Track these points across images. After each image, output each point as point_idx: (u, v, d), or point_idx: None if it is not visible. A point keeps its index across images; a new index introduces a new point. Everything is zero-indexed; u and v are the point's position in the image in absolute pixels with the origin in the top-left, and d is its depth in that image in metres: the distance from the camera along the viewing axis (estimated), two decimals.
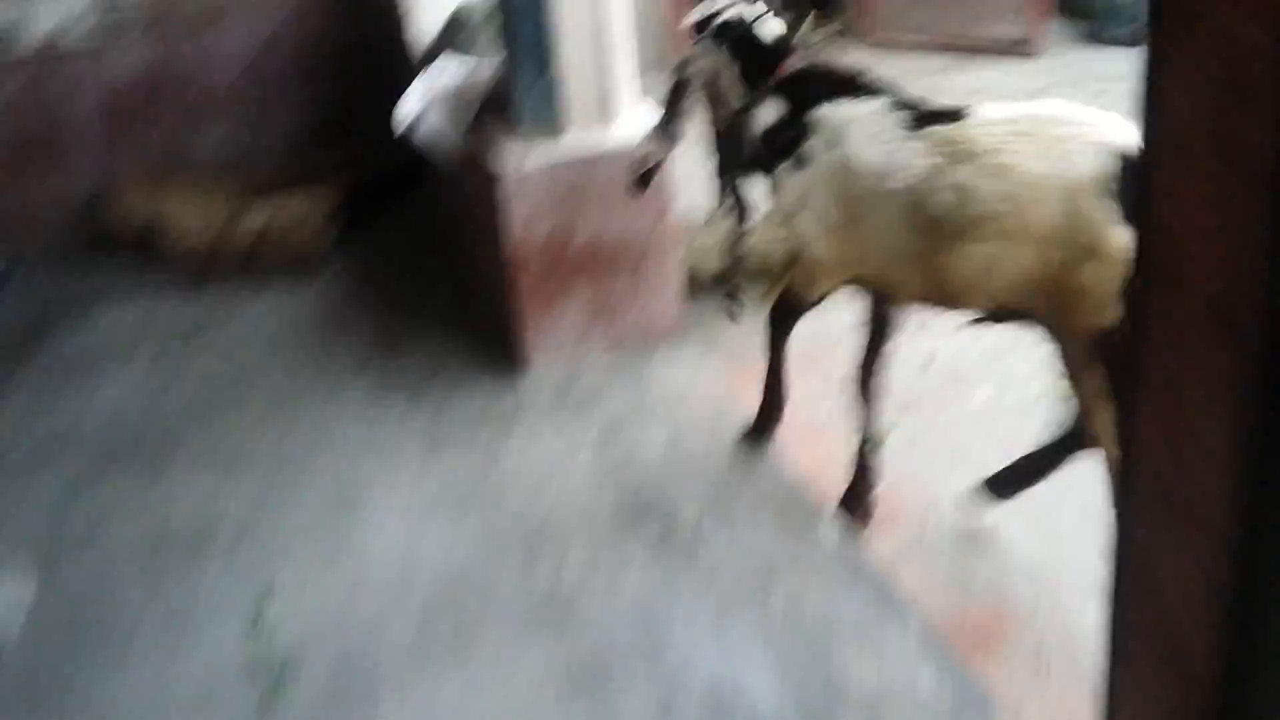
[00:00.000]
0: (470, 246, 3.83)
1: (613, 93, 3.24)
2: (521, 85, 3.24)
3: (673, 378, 3.49)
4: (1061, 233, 2.19)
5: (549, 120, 3.24)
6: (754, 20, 2.84)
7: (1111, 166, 2.14)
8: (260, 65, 4.71)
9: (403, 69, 4.19)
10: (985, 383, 3.43)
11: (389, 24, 4.47)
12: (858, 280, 2.69)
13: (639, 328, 3.53)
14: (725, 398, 3.39)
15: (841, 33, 6.52)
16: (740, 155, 2.99)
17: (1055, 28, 6.15)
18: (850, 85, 2.63)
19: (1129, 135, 2.16)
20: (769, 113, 2.72)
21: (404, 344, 3.85)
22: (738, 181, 3.65)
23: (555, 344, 3.49)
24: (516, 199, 3.25)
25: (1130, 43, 6.00)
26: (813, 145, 2.58)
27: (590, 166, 3.27)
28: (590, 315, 3.48)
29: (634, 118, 3.32)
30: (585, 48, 3.14)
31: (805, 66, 2.77)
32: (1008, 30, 5.93)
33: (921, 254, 2.43)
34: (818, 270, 2.71)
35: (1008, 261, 2.28)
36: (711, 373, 3.52)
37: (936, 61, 5.93)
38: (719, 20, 2.86)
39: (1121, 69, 5.80)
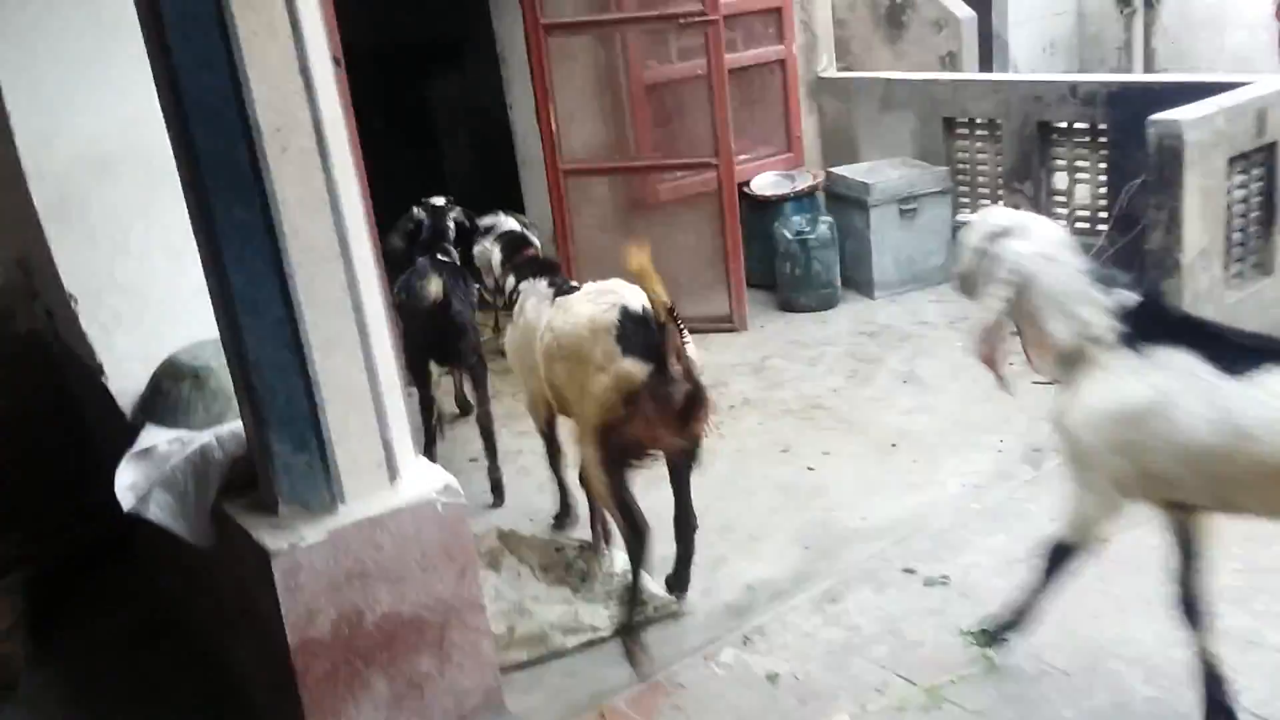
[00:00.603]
0: (230, 641, 3.15)
1: (394, 452, 2.79)
2: (279, 460, 2.72)
3: None
4: (589, 353, 3.30)
5: (318, 496, 2.73)
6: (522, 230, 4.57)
7: (622, 317, 3.27)
8: None
9: (101, 432, 3.55)
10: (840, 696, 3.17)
11: (71, 380, 3.81)
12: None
13: (452, 708, 2.97)
14: None
15: None
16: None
17: (753, 302, 6.38)
18: (550, 269, 4.05)
19: (641, 299, 3.25)
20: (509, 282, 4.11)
21: None
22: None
23: None
24: (292, 583, 2.67)
25: (817, 308, 6.36)
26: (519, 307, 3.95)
27: (376, 533, 2.77)
28: (392, 705, 2.88)
29: (415, 471, 2.89)
30: (359, 409, 2.70)
31: (533, 255, 4.26)
32: (716, 308, 6.09)
33: (558, 380, 3.54)
34: (534, 400, 3.98)
35: (569, 373, 3.44)
36: None
37: None
38: (506, 230, 4.43)
39: (817, 332, 6.20)
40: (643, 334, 3.20)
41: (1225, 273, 4.95)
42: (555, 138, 5.93)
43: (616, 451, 3.28)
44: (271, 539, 2.69)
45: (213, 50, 2.35)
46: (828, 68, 7.26)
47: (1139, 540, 3.84)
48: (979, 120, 6.50)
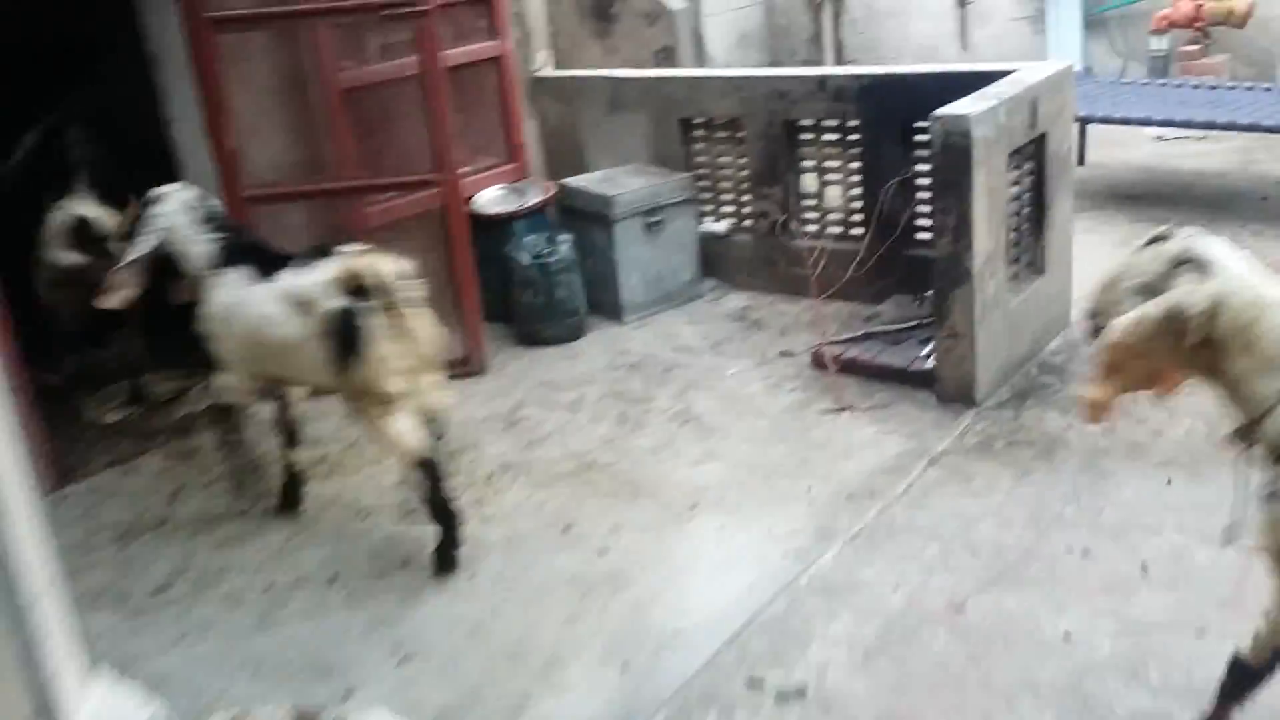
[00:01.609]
0: None
1: (55, 695, 1.73)
2: None
3: None
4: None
5: None
6: None
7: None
8: None
9: None
10: None
11: None
12: None
13: None
14: None
15: None
16: None
17: (491, 338, 5.50)
18: None
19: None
20: None
21: None
22: None
23: None
24: None
25: (564, 339, 5.59)
26: None
27: None
28: None
29: (96, 706, 1.84)
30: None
31: None
32: (450, 353, 5.14)
33: None
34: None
35: None
36: None
37: None
38: None
39: (570, 369, 5.38)
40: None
41: (1007, 275, 4.60)
42: (233, 158, 4.78)
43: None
44: None
45: None
46: (545, 66, 6.48)
47: (997, 604, 3.36)
48: (719, 121, 5.92)
